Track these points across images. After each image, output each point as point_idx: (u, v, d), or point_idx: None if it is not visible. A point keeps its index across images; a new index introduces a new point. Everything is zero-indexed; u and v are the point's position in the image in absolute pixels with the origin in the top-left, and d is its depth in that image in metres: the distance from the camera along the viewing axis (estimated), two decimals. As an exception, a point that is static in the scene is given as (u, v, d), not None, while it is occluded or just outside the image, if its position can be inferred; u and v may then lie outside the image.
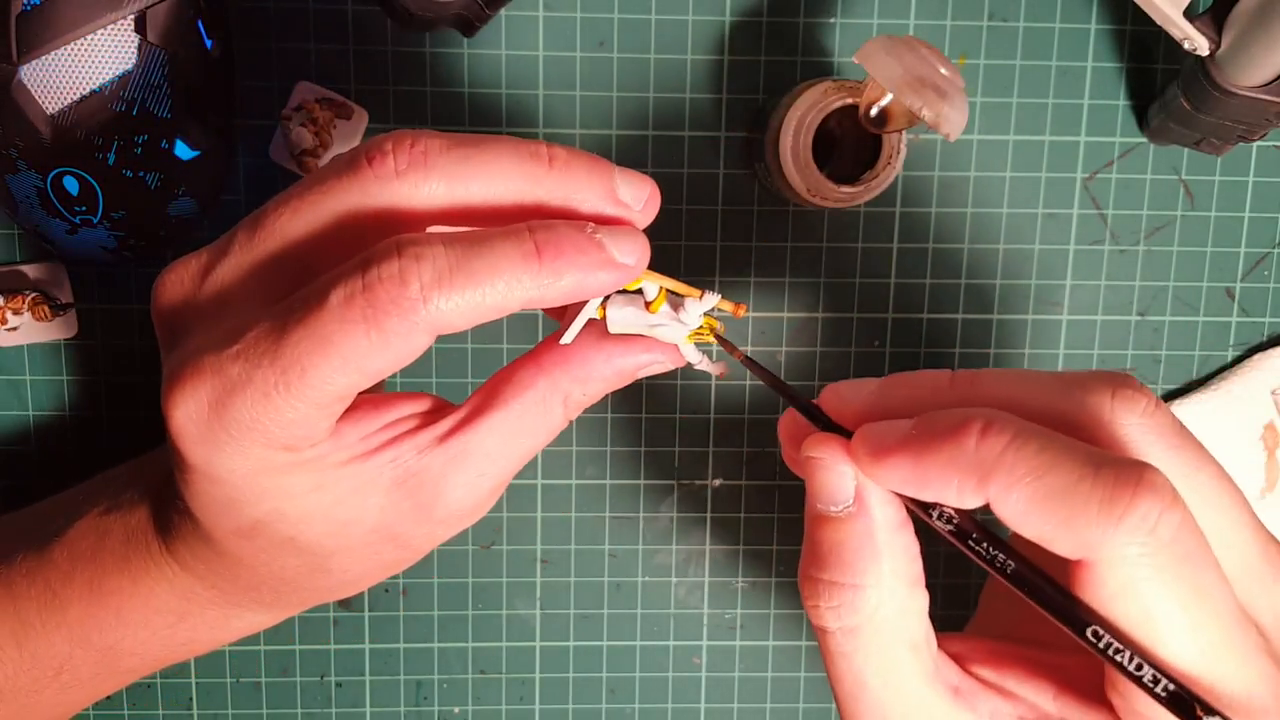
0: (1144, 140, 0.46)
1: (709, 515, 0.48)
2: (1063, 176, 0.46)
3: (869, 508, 0.25)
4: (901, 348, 0.47)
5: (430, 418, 0.29)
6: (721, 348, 0.30)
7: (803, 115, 0.39)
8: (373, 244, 0.26)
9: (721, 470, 0.48)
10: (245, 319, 0.27)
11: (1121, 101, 0.46)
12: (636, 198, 0.28)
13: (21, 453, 0.46)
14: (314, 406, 0.26)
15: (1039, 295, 0.47)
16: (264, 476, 0.27)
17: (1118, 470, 0.21)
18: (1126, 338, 0.47)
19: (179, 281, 0.28)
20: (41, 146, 0.39)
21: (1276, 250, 0.47)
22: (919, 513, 0.25)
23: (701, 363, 0.31)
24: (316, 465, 0.28)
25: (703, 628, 0.49)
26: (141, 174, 0.40)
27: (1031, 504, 0.22)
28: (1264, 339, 0.48)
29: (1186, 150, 0.46)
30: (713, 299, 0.29)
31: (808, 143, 0.39)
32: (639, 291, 0.29)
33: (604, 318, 0.29)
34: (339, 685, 0.48)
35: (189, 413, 0.26)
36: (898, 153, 0.40)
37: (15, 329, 0.44)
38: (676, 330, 0.30)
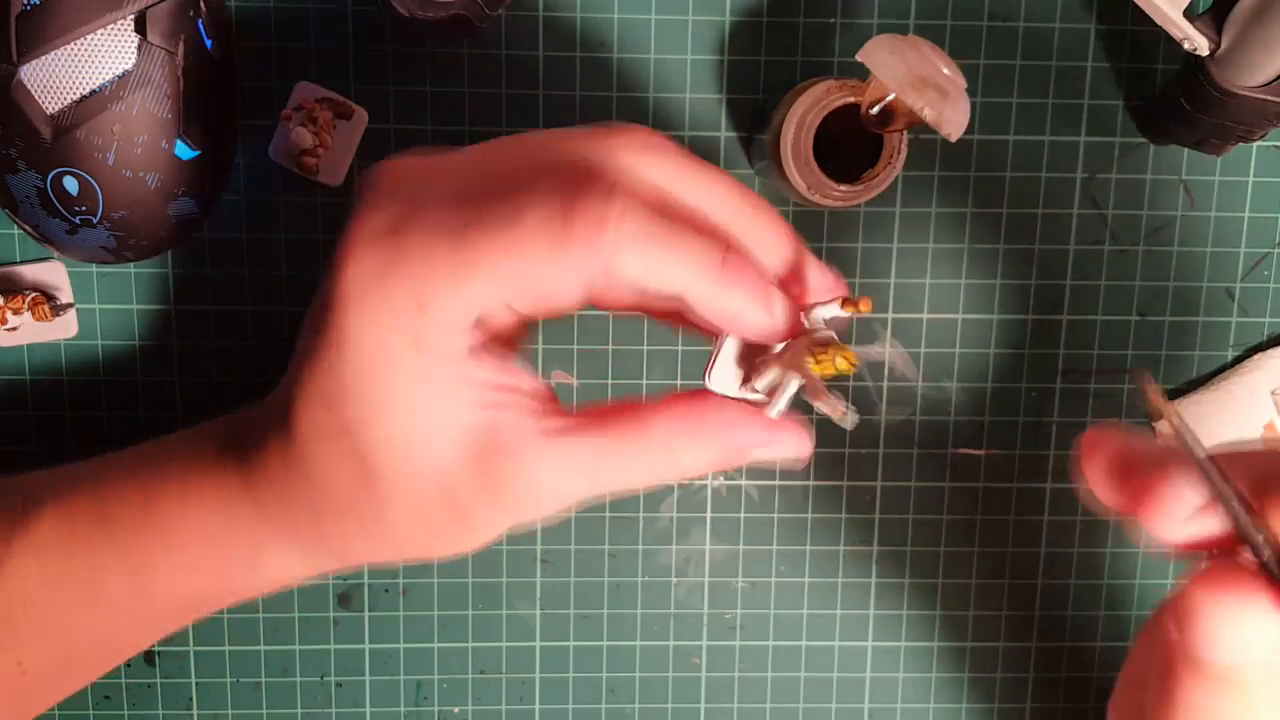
0: (1144, 140, 0.46)
1: (709, 515, 0.48)
2: (1063, 176, 0.46)
3: None
4: (902, 348, 0.47)
5: (543, 405, 0.29)
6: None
7: (804, 114, 0.39)
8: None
9: (722, 470, 0.48)
10: (444, 197, 0.28)
11: (1121, 101, 0.46)
12: (818, 284, 0.30)
13: (22, 453, 0.46)
14: (467, 301, 0.27)
15: (1039, 295, 0.47)
16: (383, 364, 0.28)
17: None
18: (1126, 338, 0.47)
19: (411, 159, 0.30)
20: (41, 146, 0.39)
21: (1276, 250, 0.47)
22: None
23: (822, 403, 0.28)
24: (430, 378, 0.28)
25: (703, 628, 0.49)
26: (141, 174, 0.40)
27: None
28: (1264, 339, 0.48)
29: (1186, 150, 0.46)
30: (834, 305, 0.29)
31: (809, 141, 0.39)
32: None
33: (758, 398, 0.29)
34: (339, 685, 0.48)
35: (360, 268, 0.28)
36: (898, 152, 0.40)
37: (15, 329, 0.44)
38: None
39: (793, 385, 0.28)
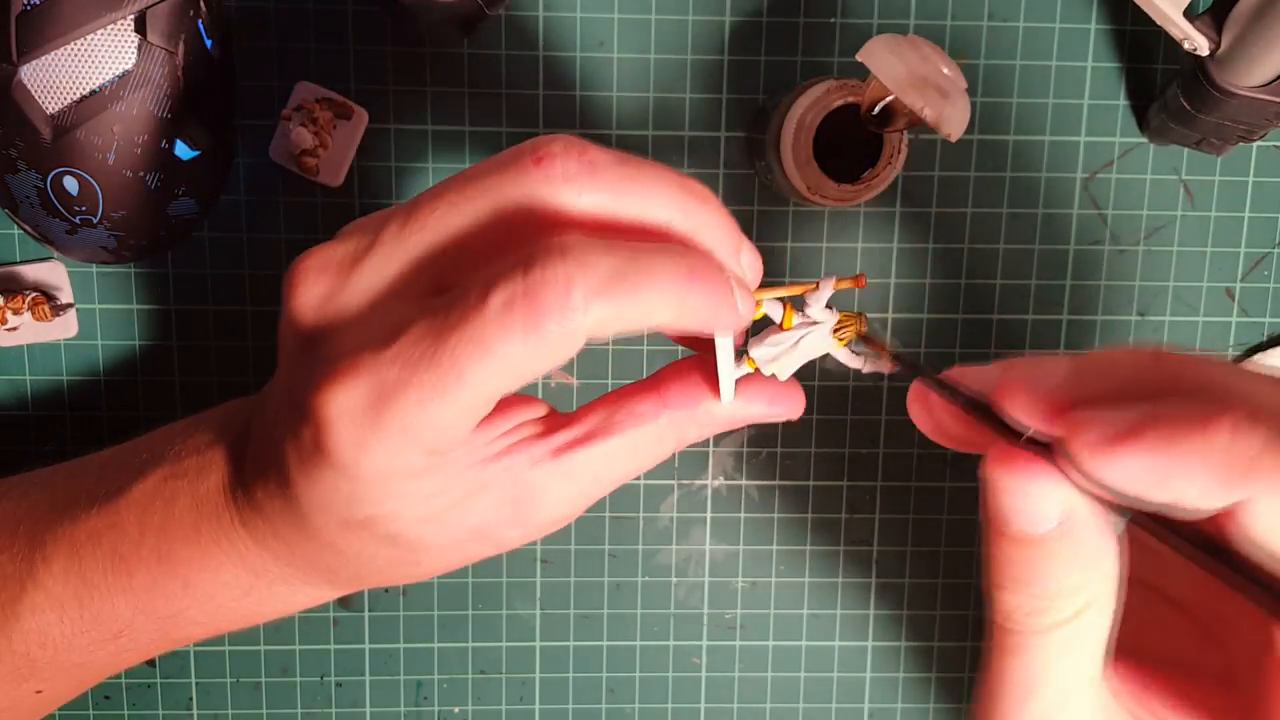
0: (1144, 140, 0.46)
1: (709, 515, 0.48)
2: (1063, 176, 0.46)
3: (1079, 524, 0.23)
4: (902, 347, 0.47)
5: (545, 425, 0.29)
6: (868, 348, 0.30)
7: (804, 114, 0.39)
8: (525, 243, 0.26)
9: (721, 470, 0.48)
10: (399, 316, 0.26)
11: (1121, 101, 0.46)
12: (752, 268, 0.29)
13: (22, 453, 0.46)
14: (467, 411, 0.26)
15: (1039, 295, 0.47)
16: (400, 479, 0.27)
17: None
18: (1126, 338, 0.47)
19: (322, 270, 0.28)
20: (41, 146, 0.39)
21: (1276, 250, 0.47)
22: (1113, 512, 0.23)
23: (864, 364, 0.30)
24: (447, 469, 0.28)
25: (703, 628, 0.49)
26: (141, 174, 0.40)
27: None
28: (1264, 339, 0.48)
29: (1186, 150, 0.46)
30: (829, 285, 0.29)
31: (809, 141, 0.39)
32: (764, 319, 0.29)
33: (756, 369, 0.30)
34: (339, 685, 0.48)
35: (343, 410, 0.26)
36: (898, 152, 0.40)
37: (15, 329, 0.44)
38: (822, 336, 0.29)
39: (796, 360, 0.30)
